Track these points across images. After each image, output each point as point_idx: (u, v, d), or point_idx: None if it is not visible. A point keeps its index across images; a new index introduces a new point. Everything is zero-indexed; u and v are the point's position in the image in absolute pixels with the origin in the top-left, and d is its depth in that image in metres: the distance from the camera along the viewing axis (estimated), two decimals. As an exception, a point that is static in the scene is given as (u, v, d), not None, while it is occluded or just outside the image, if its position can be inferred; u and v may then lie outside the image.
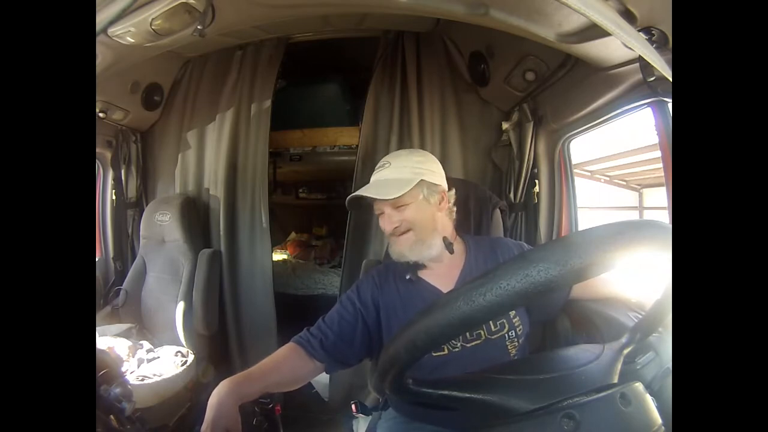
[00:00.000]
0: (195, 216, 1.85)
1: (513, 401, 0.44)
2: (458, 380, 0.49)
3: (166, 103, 1.96)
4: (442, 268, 1.00)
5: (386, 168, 0.99)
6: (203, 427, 0.72)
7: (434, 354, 0.92)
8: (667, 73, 0.60)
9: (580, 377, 0.46)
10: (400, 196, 0.94)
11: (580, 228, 1.08)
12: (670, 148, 0.99)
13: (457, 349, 0.92)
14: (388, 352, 0.44)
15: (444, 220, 1.01)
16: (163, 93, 1.92)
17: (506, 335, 0.93)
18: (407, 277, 0.98)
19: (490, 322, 0.93)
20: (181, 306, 1.69)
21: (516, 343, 0.94)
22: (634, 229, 0.39)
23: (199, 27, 1.09)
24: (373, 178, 1.01)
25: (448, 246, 0.99)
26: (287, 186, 3.82)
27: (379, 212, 0.99)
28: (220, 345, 1.86)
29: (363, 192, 0.97)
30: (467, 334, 0.92)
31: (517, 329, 0.94)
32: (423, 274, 1.00)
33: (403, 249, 0.97)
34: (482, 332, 0.93)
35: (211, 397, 0.76)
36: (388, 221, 0.97)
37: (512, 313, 0.94)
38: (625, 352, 0.51)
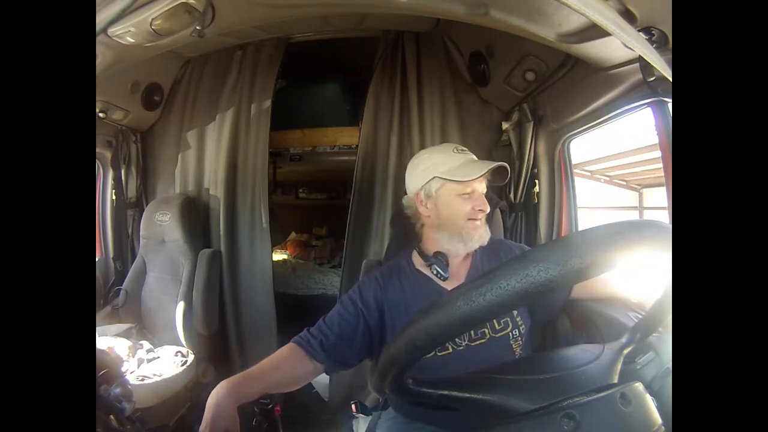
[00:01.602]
0: (195, 216, 1.85)
1: (513, 401, 0.44)
2: (458, 380, 0.49)
3: (166, 103, 1.96)
4: (451, 268, 1.00)
5: (469, 153, 1.01)
6: (201, 427, 0.72)
7: (439, 353, 0.92)
8: (667, 73, 0.60)
9: (580, 377, 0.46)
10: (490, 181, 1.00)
11: (580, 228, 1.08)
12: (670, 148, 0.99)
13: (461, 348, 0.92)
14: (388, 351, 0.44)
15: None
16: (163, 93, 1.91)
17: (510, 334, 0.94)
18: (445, 276, 0.97)
19: (494, 321, 0.93)
20: (181, 306, 1.69)
21: (520, 342, 0.94)
22: (634, 229, 0.39)
23: (198, 27, 1.08)
24: (461, 159, 0.98)
25: None
26: (287, 186, 3.82)
27: (470, 191, 0.97)
28: (220, 345, 1.86)
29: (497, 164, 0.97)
30: (472, 333, 0.93)
31: (520, 328, 0.95)
32: (430, 273, 1.00)
33: (484, 232, 0.98)
34: (486, 331, 0.93)
35: (209, 398, 0.76)
36: (485, 203, 0.98)
37: (515, 311, 0.95)
38: (625, 352, 0.51)
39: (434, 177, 0.98)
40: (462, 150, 1.01)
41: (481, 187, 0.98)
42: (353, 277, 1.71)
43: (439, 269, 0.97)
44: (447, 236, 0.98)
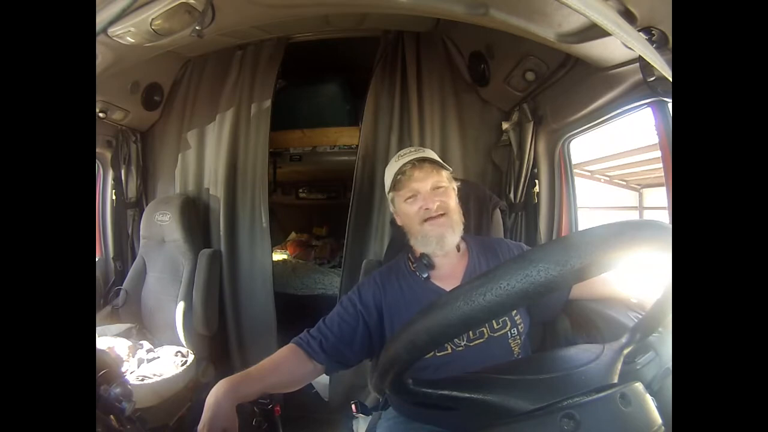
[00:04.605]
0: (195, 216, 1.85)
1: (513, 401, 0.44)
2: (458, 380, 0.49)
3: (166, 103, 1.96)
4: (446, 268, 1.00)
5: (421, 152, 1.02)
6: (200, 426, 0.72)
7: (438, 353, 0.92)
8: (667, 73, 0.60)
9: (580, 377, 0.46)
10: (443, 176, 0.99)
11: (580, 228, 1.08)
12: (670, 148, 0.99)
13: (460, 348, 0.92)
14: (388, 352, 0.44)
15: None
16: (163, 93, 1.91)
17: (509, 333, 0.94)
18: (425, 275, 0.98)
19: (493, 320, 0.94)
20: (181, 306, 1.69)
21: (518, 341, 0.94)
22: (634, 229, 0.39)
23: (197, 27, 1.08)
24: (408, 159, 1.00)
25: (460, 241, 1.01)
26: (287, 186, 3.82)
27: (412, 194, 0.98)
28: (220, 345, 1.86)
29: (423, 155, 0.99)
30: (470, 332, 0.93)
31: (519, 327, 0.95)
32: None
33: (444, 231, 0.96)
34: (485, 331, 0.93)
35: (208, 397, 0.76)
36: (430, 200, 0.96)
37: (513, 311, 0.95)
38: (625, 352, 0.51)
39: (387, 191, 1.05)
40: (404, 154, 1.02)
41: (425, 185, 0.97)
42: (353, 277, 1.71)
43: (418, 271, 1.00)
44: (413, 240, 1.02)
